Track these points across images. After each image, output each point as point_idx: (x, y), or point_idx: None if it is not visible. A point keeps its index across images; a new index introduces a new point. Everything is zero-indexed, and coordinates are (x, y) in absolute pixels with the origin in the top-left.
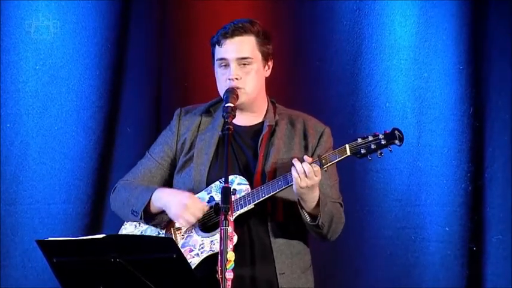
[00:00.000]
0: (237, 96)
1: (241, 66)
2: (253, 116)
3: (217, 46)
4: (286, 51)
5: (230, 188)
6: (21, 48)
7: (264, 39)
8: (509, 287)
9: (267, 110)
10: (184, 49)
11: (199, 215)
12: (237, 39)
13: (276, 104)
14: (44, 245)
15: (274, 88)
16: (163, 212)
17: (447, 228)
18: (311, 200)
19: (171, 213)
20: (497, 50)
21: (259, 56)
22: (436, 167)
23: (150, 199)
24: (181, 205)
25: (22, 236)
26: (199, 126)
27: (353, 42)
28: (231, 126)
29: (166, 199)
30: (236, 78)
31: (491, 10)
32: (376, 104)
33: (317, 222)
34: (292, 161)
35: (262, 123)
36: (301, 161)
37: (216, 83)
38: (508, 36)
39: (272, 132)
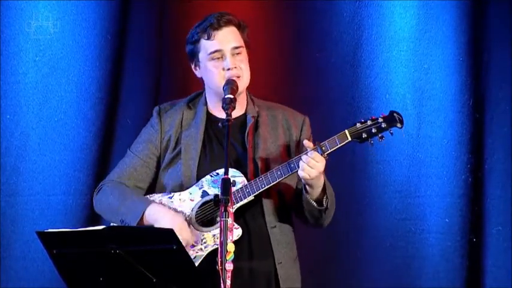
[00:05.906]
0: (237, 87)
1: (235, 56)
2: (235, 108)
3: (203, 41)
4: (286, 43)
5: (230, 179)
6: (21, 40)
7: (243, 29)
8: (509, 278)
9: (247, 102)
10: (184, 40)
11: (191, 242)
12: (227, 30)
13: (252, 96)
14: (44, 236)
15: (273, 79)
16: None
17: (447, 220)
18: (318, 185)
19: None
20: (498, 41)
21: (244, 45)
22: (436, 159)
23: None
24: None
25: (22, 227)
26: (181, 123)
27: (353, 33)
28: (231, 118)
29: (158, 221)
30: (235, 67)
31: (491, 1)
32: (376, 95)
33: (325, 205)
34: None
35: (244, 115)
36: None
37: (198, 79)
38: (508, 28)
39: (256, 123)
